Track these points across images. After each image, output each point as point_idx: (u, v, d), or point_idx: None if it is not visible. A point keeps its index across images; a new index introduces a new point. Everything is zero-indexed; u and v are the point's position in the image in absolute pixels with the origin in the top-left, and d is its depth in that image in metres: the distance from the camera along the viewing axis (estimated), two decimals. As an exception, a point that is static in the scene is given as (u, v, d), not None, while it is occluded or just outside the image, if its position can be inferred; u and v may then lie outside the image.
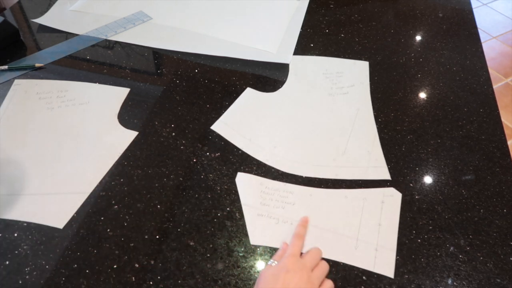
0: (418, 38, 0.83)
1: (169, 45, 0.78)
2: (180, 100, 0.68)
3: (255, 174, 0.57)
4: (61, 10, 0.86)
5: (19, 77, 0.71)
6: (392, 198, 0.55)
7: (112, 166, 0.58)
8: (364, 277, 0.48)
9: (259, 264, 0.49)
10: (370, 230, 0.51)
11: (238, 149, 0.61)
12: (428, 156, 0.60)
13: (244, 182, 0.56)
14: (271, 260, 0.46)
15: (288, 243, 0.49)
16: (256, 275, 0.48)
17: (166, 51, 0.77)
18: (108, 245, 0.50)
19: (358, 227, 0.52)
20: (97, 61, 0.75)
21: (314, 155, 0.60)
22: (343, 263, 0.49)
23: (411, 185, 0.57)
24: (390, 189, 0.56)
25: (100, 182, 0.56)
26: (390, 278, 0.47)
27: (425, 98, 0.69)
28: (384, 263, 0.49)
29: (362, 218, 0.53)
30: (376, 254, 0.49)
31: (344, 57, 0.77)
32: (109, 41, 0.79)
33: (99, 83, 0.70)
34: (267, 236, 0.51)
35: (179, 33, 0.81)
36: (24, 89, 0.69)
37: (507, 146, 0.61)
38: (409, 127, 0.64)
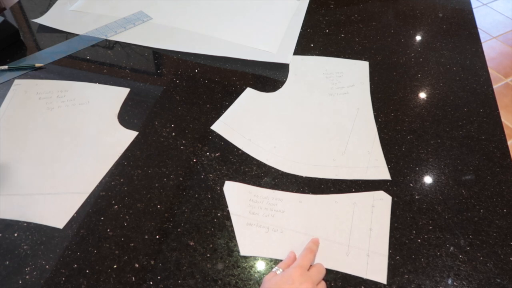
0: (418, 38, 0.82)
1: (169, 45, 0.78)
2: (180, 100, 0.68)
3: (255, 174, 0.57)
4: (61, 10, 0.86)
5: (19, 77, 0.71)
6: (382, 201, 0.54)
7: (112, 166, 0.58)
8: (364, 277, 0.48)
9: (259, 264, 0.49)
10: (361, 235, 0.51)
11: (238, 149, 0.61)
12: (428, 156, 0.60)
13: (232, 190, 0.55)
14: (276, 267, 0.46)
15: (294, 252, 0.49)
16: (256, 275, 0.48)
17: (166, 51, 0.78)
18: (108, 245, 0.50)
19: (349, 233, 0.51)
20: (97, 61, 0.75)
21: (314, 155, 0.60)
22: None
23: (411, 185, 0.57)
24: (380, 192, 0.55)
25: (100, 182, 0.56)
26: (387, 280, 0.47)
27: (425, 98, 0.69)
28: (376, 269, 0.48)
29: (352, 224, 0.52)
30: (368, 260, 0.49)
31: (344, 57, 0.77)
32: (109, 41, 0.79)
33: (99, 83, 0.71)
34: (258, 246, 0.50)
35: (179, 33, 0.81)
36: (24, 89, 0.69)
37: (507, 146, 0.61)
38: (409, 127, 0.64)
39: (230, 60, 0.76)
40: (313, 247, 0.49)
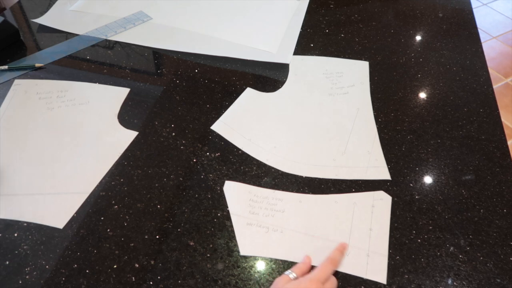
0: (418, 38, 0.82)
1: (169, 45, 0.78)
2: (180, 100, 0.68)
3: (255, 174, 0.57)
4: (61, 10, 0.86)
5: (19, 77, 0.71)
6: (382, 201, 0.54)
7: (112, 166, 0.58)
8: (364, 277, 0.48)
9: (259, 264, 0.49)
10: (361, 235, 0.51)
11: (238, 149, 0.61)
12: (428, 156, 0.60)
13: (232, 190, 0.55)
14: (289, 271, 0.45)
15: (310, 257, 0.48)
16: (256, 275, 0.48)
17: (166, 51, 0.78)
18: (108, 245, 0.50)
19: (349, 232, 0.51)
20: (97, 61, 0.75)
21: (314, 155, 0.60)
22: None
23: (411, 185, 0.57)
24: (380, 192, 0.55)
25: (100, 182, 0.56)
26: (387, 280, 0.47)
27: (425, 98, 0.69)
28: (376, 269, 0.48)
29: (352, 223, 0.52)
30: (368, 260, 0.49)
31: (344, 57, 0.77)
32: (109, 41, 0.79)
33: (99, 83, 0.71)
34: (258, 246, 0.50)
35: (179, 33, 0.81)
36: (24, 89, 0.69)
37: (507, 146, 0.61)
38: (409, 127, 0.64)
39: (230, 60, 0.76)
40: (337, 257, 0.47)
